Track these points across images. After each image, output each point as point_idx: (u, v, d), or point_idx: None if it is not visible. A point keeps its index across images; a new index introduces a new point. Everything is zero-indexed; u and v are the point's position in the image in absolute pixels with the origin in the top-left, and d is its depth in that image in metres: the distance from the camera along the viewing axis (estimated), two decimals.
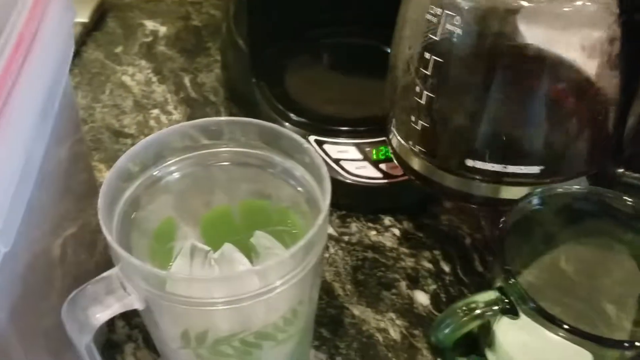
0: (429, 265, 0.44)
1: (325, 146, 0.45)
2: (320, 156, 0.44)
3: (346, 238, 0.45)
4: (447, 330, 0.29)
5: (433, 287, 0.42)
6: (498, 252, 0.29)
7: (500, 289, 0.29)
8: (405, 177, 0.45)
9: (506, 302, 0.29)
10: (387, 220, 0.47)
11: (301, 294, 0.28)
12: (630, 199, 0.33)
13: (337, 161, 0.45)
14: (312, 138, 0.46)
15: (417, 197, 0.47)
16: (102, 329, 0.28)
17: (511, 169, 0.35)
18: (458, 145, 0.37)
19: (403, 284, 0.43)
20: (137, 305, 0.25)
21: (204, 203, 0.32)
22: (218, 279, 0.27)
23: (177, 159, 0.30)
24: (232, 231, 0.32)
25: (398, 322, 0.40)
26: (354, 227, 0.46)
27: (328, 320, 0.40)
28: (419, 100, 0.37)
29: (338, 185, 0.45)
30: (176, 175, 0.30)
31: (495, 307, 0.29)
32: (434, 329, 0.30)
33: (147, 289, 0.24)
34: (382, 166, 0.45)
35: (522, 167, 0.35)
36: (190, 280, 0.26)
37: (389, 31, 0.40)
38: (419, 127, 0.37)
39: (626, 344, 0.28)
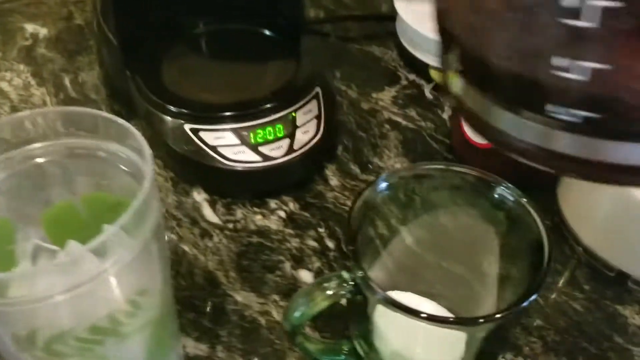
0: (314, 244, 0.43)
1: (201, 134, 0.44)
2: (197, 145, 0.44)
3: (231, 225, 0.45)
4: (297, 314, 0.29)
5: (317, 264, 0.42)
6: (345, 235, 0.29)
7: (348, 271, 0.29)
8: (286, 158, 0.44)
9: (352, 284, 0.28)
10: (273, 204, 0.46)
11: (141, 283, 0.27)
12: (472, 171, 0.33)
13: (214, 148, 0.44)
14: (187, 127, 0.45)
15: (300, 177, 0.47)
16: None
17: None
18: None
19: (287, 265, 0.42)
20: None
21: (43, 201, 0.30)
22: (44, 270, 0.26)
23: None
24: (80, 227, 0.31)
25: (282, 303, 0.40)
26: (239, 213, 0.45)
27: (209, 311, 0.40)
28: None
29: (217, 173, 0.44)
30: (1, 175, 0.28)
31: (345, 290, 0.28)
32: (287, 313, 0.29)
33: None
34: (262, 149, 0.44)
35: None
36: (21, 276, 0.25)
37: (259, 13, 0.39)
38: None
39: (480, 320, 0.28)
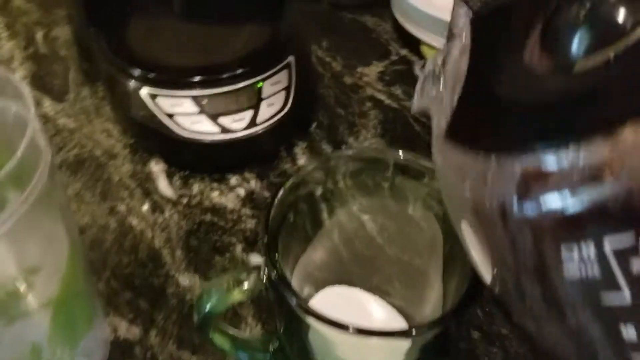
0: None
1: (158, 99, 0.41)
2: (153, 111, 0.41)
3: (185, 200, 0.41)
4: (208, 305, 0.25)
5: None
6: (264, 224, 0.25)
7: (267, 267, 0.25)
8: (248, 132, 0.41)
9: (271, 282, 0.25)
10: (234, 180, 0.43)
11: (30, 258, 0.24)
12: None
13: (170, 116, 0.41)
14: (144, 91, 0.41)
15: (263, 153, 0.43)
16: None
17: None
18: None
19: (239, 248, 0.39)
20: None
21: None
22: None
23: None
24: None
25: None
26: (196, 188, 0.42)
27: (148, 290, 0.37)
28: None
29: (173, 143, 0.41)
30: None
31: (262, 288, 0.25)
32: (197, 302, 0.26)
33: None
34: (221, 120, 0.41)
35: None
36: None
37: None
38: None
39: (414, 331, 0.24)
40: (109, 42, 0.43)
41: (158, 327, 0.35)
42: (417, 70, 0.51)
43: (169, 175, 0.43)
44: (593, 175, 0.12)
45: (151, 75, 0.41)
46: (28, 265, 0.24)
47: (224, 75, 0.41)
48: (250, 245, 0.39)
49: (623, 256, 0.12)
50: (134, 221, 0.40)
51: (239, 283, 0.25)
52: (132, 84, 0.42)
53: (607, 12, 0.16)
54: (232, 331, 0.29)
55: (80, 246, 0.28)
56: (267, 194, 0.42)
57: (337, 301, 0.32)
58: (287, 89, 0.43)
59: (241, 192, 0.42)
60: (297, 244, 0.29)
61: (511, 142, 0.15)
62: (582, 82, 0.15)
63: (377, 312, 0.32)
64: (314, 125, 0.46)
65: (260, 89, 0.42)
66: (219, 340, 0.28)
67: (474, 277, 0.23)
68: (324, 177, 0.29)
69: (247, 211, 0.41)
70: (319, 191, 0.29)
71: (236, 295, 0.25)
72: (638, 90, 0.13)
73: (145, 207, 0.41)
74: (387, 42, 0.54)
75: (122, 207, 0.41)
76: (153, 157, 0.44)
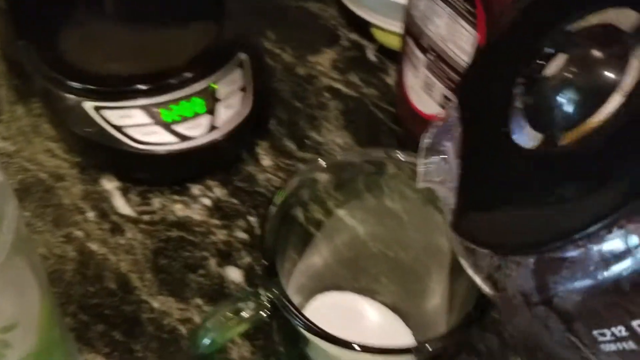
0: (244, 236, 0.38)
1: (105, 112, 0.38)
2: (101, 125, 0.38)
3: (146, 217, 0.39)
4: (207, 341, 0.23)
5: (247, 260, 0.37)
6: (260, 245, 0.23)
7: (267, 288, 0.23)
8: (207, 138, 0.39)
9: (272, 307, 0.23)
10: (196, 190, 0.40)
11: (4, 317, 0.22)
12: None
13: (119, 129, 0.38)
14: (87, 105, 0.38)
15: (225, 159, 0.41)
16: None
17: None
18: None
19: (212, 262, 0.37)
20: None
21: None
22: None
23: None
24: None
25: (206, 308, 0.35)
26: (156, 203, 0.40)
27: (121, 320, 0.34)
28: None
29: (126, 157, 0.38)
30: None
31: (264, 311, 0.23)
32: (194, 338, 0.24)
33: None
34: (177, 128, 0.38)
35: None
36: None
37: None
38: None
39: (416, 347, 0.23)
40: (43, 56, 0.40)
41: (138, 358, 0.33)
42: (370, 55, 0.49)
43: (125, 192, 0.40)
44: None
45: (94, 87, 0.38)
46: (4, 325, 0.22)
47: (174, 80, 0.39)
48: (225, 258, 0.37)
49: None
50: (93, 246, 0.37)
51: (238, 312, 0.23)
52: (74, 98, 0.38)
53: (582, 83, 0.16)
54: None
55: (50, 290, 0.25)
56: (234, 200, 0.40)
57: (330, 309, 0.30)
58: (244, 88, 0.40)
59: (206, 201, 0.40)
60: (288, 259, 0.27)
61: (518, 242, 0.14)
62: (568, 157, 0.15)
63: (371, 314, 0.31)
64: (272, 122, 0.44)
65: (214, 91, 0.39)
66: None
67: None
68: (307, 189, 0.27)
69: (215, 222, 0.39)
70: (304, 205, 0.27)
71: (236, 327, 0.23)
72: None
73: (104, 229, 0.38)
74: (335, 28, 0.52)
75: (78, 233, 0.38)
76: (104, 174, 0.41)
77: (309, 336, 0.23)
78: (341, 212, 0.31)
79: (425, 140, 0.22)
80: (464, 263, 0.17)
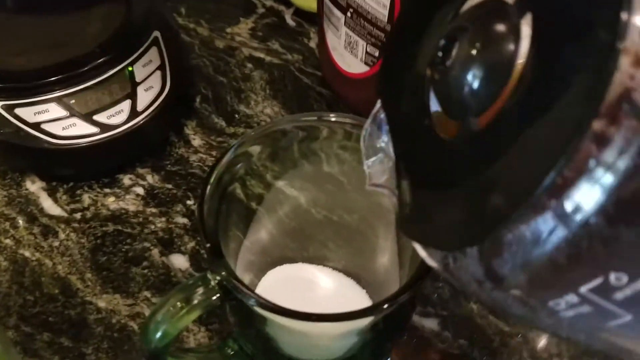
0: (184, 221, 0.37)
1: (18, 111, 0.35)
2: (15, 125, 0.35)
3: (78, 215, 0.37)
4: (158, 334, 0.22)
5: (191, 245, 0.36)
6: (201, 228, 0.23)
7: (215, 271, 0.23)
8: (130, 124, 0.37)
9: (222, 290, 0.22)
10: (127, 180, 0.39)
11: None
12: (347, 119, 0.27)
13: (36, 126, 0.36)
14: None
15: (153, 144, 0.39)
16: None
17: None
18: None
19: (155, 252, 0.35)
20: None
21: None
22: None
23: None
24: None
25: (155, 300, 0.34)
26: (86, 199, 0.38)
27: (68, 326, 0.33)
28: None
29: (47, 155, 0.36)
30: None
31: (214, 296, 0.22)
32: (144, 333, 0.23)
33: None
34: (98, 118, 0.36)
35: None
36: None
37: None
38: None
39: (372, 307, 0.23)
40: None
41: None
42: (289, 19, 0.48)
43: (52, 192, 0.38)
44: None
45: (1, 85, 0.35)
46: None
47: (86, 68, 0.36)
48: (167, 246, 0.36)
49: (603, 289, 0.12)
50: (26, 253, 0.35)
51: (187, 300, 0.22)
52: None
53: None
54: (189, 352, 0.26)
55: None
56: (168, 186, 0.38)
57: (283, 283, 0.30)
58: (162, 67, 0.39)
59: (139, 190, 0.38)
60: (233, 238, 0.26)
61: (457, 236, 0.14)
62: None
63: (325, 281, 0.31)
64: (197, 99, 0.43)
65: (132, 74, 0.37)
66: None
67: None
68: (242, 164, 0.26)
69: (152, 210, 0.37)
70: (240, 180, 0.26)
71: (188, 316, 0.22)
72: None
73: (35, 234, 0.36)
74: None
75: (8, 241, 0.36)
76: (27, 175, 0.39)
77: (265, 314, 0.23)
78: (280, 183, 0.30)
79: (362, 137, 0.21)
80: (421, 254, 0.16)
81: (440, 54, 0.17)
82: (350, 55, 0.39)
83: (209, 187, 0.24)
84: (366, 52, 0.38)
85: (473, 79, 0.15)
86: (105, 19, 0.39)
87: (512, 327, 0.33)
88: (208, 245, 0.22)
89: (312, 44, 0.46)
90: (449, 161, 0.16)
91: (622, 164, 0.11)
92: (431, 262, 0.16)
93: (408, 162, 0.19)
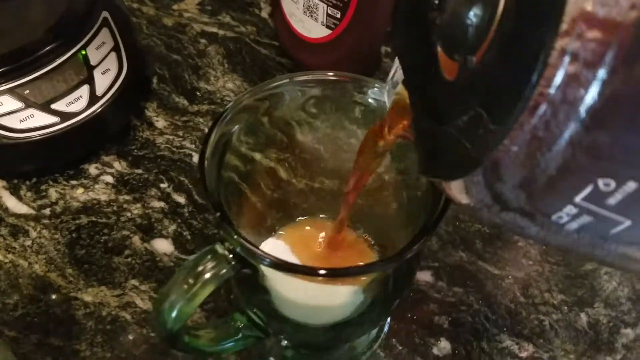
0: (161, 204, 0.36)
1: None
2: None
3: (47, 212, 0.35)
4: (174, 314, 0.22)
5: (173, 227, 0.35)
6: (207, 198, 0.22)
7: (222, 242, 0.22)
8: (91, 110, 0.35)
9: (234, 257, 0.22)
10: (93, 169, 0.37)
11: None
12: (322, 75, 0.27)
13: None
14: None
15: (114, 128, 0.38)
16: None
17: None
18: None
19: (136, 239, 0.34)
20: None
21: None
22: None
23: None
24: None
25: (143, 287, 0.32)
26: (53, 193, 0.36)
27: (55, 325, 0.31)
28: None
29: (6, 150, 0.34)
30: None
31: (227, 267, 0.22)
32: (159, 316, 0.22)
33: None
34: (56, 107, 0.34)
35: None
36: None
37: None
38: None
39: (377, 265, 0.23)
40: None
41: (85, 358, 0.30)
42: None
43: (14, 191, 0.36)
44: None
45: None
46: None
47: (36, 55, 0.34)
48: (147, 232, 0.34)
49: (595, 196, 0.13)
50: None
51: (199, 275, 0.22)
52: None
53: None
54: (200, 329, 0.25)
55: None
56: (138, 171, 0.37)
57: (283, 251, 0.30)
58: (116, 48, 0.37)
59: (108, 179, 0.37)
60: (235, 202, 0.26)
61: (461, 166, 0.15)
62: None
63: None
64: (154, 80, 0.41)
65: (86, 58, 0.35)
66: (195, 343, 0.25)
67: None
68: (242, 121, 0.25)
69: (125, 197, 0.36)
70: (231, 153, 0.26)
71: (202, 291, 0.22)
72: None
73: (3, 235, 0.34)
74: None
75: None
76: None
77: (277, 277, 0.22)
78: (258, 156, 0.29)
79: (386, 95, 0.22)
80: (446, 192, 0.17)
81: None
82: (310, 20, 0.38)
83: (206, 161, 0.23)
84: (327, 14, 0.37)
85: (464, 15, 0.16)
86: (48, 3, 0.36)
87: (502, 270, 0.34)
88: (218, 214, 0.21)
89: (264, 14, 0.45)
90: (453, 100, 0.17)
91: (589, 75, 0.11)
92: (456, 196, 0.16)
93: (421, 107, 0.19)
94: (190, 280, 0.22)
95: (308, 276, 0.22)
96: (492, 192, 0.14)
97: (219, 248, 0.22)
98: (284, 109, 0.28)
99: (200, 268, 0.22)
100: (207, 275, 0.22)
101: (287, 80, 0.27)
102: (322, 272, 0.21)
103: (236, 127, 0.25)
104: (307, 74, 0.27)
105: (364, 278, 0.25)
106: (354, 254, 0.29)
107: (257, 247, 0.21)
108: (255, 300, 0.27)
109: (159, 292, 0.22)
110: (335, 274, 0.22)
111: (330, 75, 0.27)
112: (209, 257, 0.22)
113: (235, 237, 0.21)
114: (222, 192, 0.24)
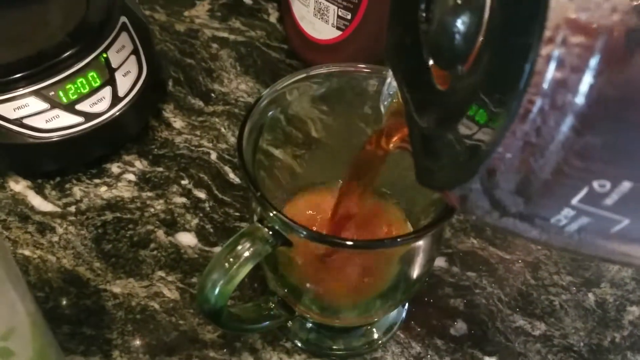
0: (183, 200, 0.37)
1: None
2: None
3: (72, 209, 0.36)
4: (216, 291, 0.23)
5: (195, 221, 0.36)
6: (244, 175, 0.23)
7: (261, 221, 0.23)
8: (114, 110, 0.37)
9: (272, 234, 0.23)
10: (116, 168, 0.38)
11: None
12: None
13: (18, 122, 0.35)
14: None
15: (134, 128, 0.39)
16: None
17: None
18: None
19: (160, 234, 0.35)
20: None
21: None
22: None
23: None
24: None
25: (170, 277, 0.34)
26: (77, 191, 0.37)
27: (86, 316, 0.32)
28: None
29: (32, 150, 0.35)
30: None
31: (265, 245, 0.23)
32: (202, 294, 0.23)
33: None
34: (80, 107, 0.36)
35: None
36: None
37: None
38: None
39: (399, 239, 0.24)
40: None
41: (118, 346, 0.31)
42: None
43: (39, 190, 0.37)
44: None
45: None
46: (3, 331, 0.20)
47: (60, 58, 0.36)
48: (171, 226, 0.36)
49: (592, 197, 0.13)
50: (26, 252, 0.34)
51: (238, 255, 0.23)
52: None
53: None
54: (239, 308, 0.27)
55: (23, 285, 0.23)
56: (159, 169, 0.38)
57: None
58: (135, 51, 0.38)
59: (130, 177, 0.38)
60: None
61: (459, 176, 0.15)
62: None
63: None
64: (170, 83, 0.43)
65: (107, 60, 0.37)
66: (233, 321, 0.26)
67: None
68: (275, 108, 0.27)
69: (148, 194, 0.37)
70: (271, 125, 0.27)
71: (243, 268, 0.23)
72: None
73: (31, 232, 0.35)
74: None
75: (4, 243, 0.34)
76: (8, 177, 0.37)
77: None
78: (276, 152, 0.30)
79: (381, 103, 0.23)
80: (445, 199, 0.17)
81: (423, 6, 0.18)
82: (321, 22, 0.40)
83: (244, 142, 0.24)
84: (338, 16, 0.39)
85: (450, 26, 0.17)
86: (70, 8, 0.38)
87: (512, 254, 0.35)
88: (259, 193, 0.23)
89: (272, 19, 0.47)
90: (447, 110, 0.17)
91: (576, 80, 0.12)
92: (456, 204, 0.17)
93: (416, 117, 0.20)
94: (231, 259, 0.23)
95: (341, 248, 0.23)
96: (491, 199, 0.14)
97: (257, 225, 0.24)
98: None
99: (239, 247, 0.24)
100: (247, 254, 0.23)
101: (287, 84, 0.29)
102: (353, 243, 0.23)
103: (271, 113, 0.26)
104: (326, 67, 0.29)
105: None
106: (382, 224, 0.31)
107: (296, 222, 0.22)
108: (285, 281, 0.28)
109: (204, 271, 0.24)
110: (372, 246, 0.23)
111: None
112: (247, 236, 0.24)
113: (275, 213, 0.23)
114: (258, 174, 0.26)
